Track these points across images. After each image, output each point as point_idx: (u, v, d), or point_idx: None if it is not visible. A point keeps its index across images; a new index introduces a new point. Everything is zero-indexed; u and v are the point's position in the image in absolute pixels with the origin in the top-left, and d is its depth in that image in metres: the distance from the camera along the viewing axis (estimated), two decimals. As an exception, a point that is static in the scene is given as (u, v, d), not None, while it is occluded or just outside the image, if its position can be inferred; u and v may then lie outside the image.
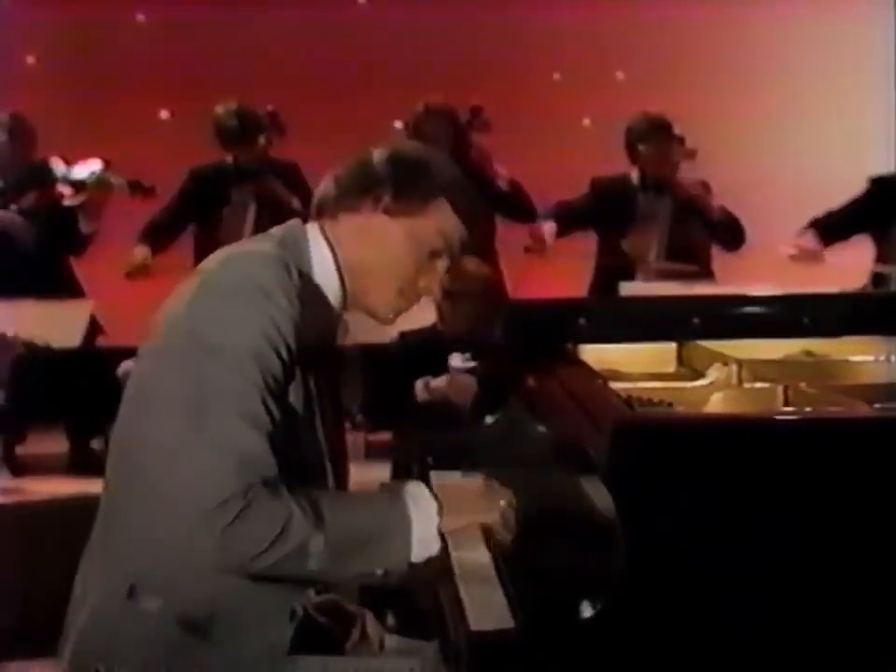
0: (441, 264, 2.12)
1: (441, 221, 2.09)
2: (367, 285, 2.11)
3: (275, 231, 2.12)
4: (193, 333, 1.94)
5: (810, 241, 5.16)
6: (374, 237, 2.08)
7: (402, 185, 2.07)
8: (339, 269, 2.10)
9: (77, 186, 5.67)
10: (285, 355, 1.95)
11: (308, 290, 2.03)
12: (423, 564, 2.00)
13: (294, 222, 2.14)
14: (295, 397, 2.00)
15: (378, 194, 2.07)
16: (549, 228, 5.70)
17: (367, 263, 2.09)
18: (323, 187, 2.14)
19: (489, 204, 5.72)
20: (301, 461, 2.01)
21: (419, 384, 4.33)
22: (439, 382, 4.31)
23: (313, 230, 2.11)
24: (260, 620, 2.01)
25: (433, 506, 2.00)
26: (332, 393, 2.17)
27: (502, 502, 2.07)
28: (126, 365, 4.62)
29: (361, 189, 2.08)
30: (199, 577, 1.97)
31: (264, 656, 2.02)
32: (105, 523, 2.07)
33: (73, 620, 2.07)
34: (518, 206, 5.83)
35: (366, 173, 2.09)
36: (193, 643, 1.99)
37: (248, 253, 2.03)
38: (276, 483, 1.91)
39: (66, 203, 5.70)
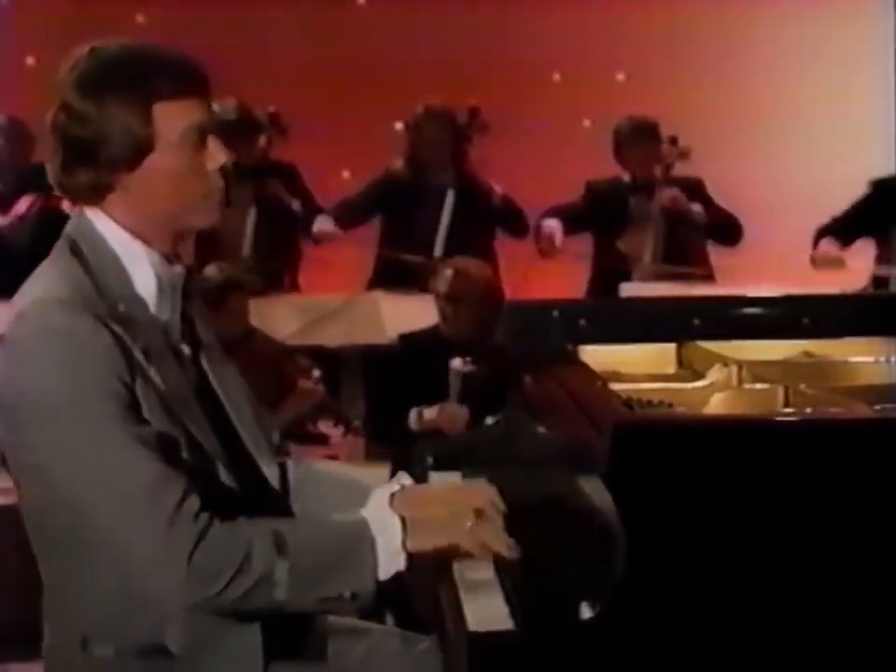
0: (212, 139, 2.00)
1: (176, 121, 1.95)
2: (173, 220, 2.00)
3: (61, 243, 2.02)
4: (24, 404, 1.89)
5: (831, 247, 5.16)
6: (143, 190, 1.97)
7: (118, 138, 1.93)
8: (137, 234, 1.99)
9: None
10: (120, 387, 1.87)
11: (116, 299, 1.95)
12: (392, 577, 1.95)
13: (76, 215, 2.02)
14: (156, 419, 1.91)
15: (107, 164, 1.94)
16: (555, 224, 5.72)
17: (156, 210, 1.98)
18: (49, 173, 2.01)
19: (487, 216, 5.76)
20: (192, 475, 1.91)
21: (413, 414, 4.34)
22: (430, 412, 4.32)
23: (94, 213, 2.00)
24: (226, 624, 1.96)
25: (396, 522, 1.94)
26: (203, 383, 2.07)
27: (468, 524, 1.97)
28: None
29: (89, 171, 1.95)
30: (149, 610, 1.93)
31: (240, 655, 1.97)
32: (46, 579, 2.04)
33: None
34: (512, 222, 5.86)
35: (78, 157, 1.95)
36: (158, 668, 1.95)
37: (38, 304, 1.92)
38: (230, 514, 1.88)
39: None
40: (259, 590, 1.87)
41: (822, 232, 5.26)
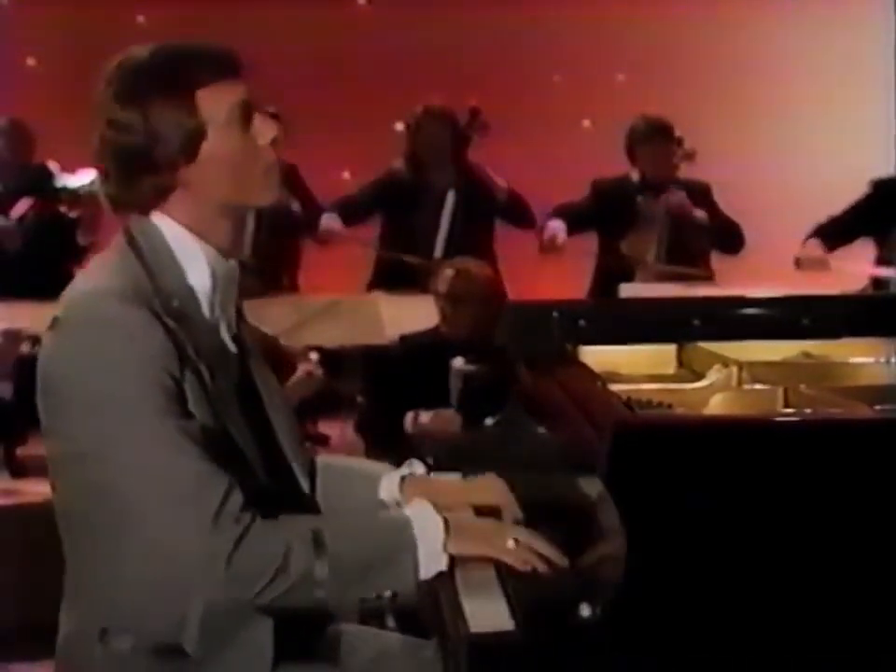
0: (257, 116, 2.02)
1: (219, 103, 1.97)
2: (237, 201, 2.02)
3: (119, 237, 2.02)
4: (73, 391, 1.90)
5: (815, 248, 5.18)
6: (203, 180, 1.98)
7: (173, 132, 1.94)
8: (195, 231, 2.00)
9: (72, 197, 5.68)
10: (169, 382, 1.88)
11: (171, 296, 1.97)
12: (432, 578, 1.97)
13: (135, 219, 2.02)
14: (201, 416, 1.93)
15: (167, 161, 1.95)
16: (559, 225, 5.72)
17: (218, 196, 2.00)
18: (106, 192, 2.01)
19: (490, 212, 5.76)
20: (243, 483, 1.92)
21: (409, 417, 4.35)
22: (426, 416, 4.32)
23: (156, 217, 2.00)
24: (237, 622, 1.97)
25: (439, 523, 1.96)
26: (247, 384, 2.09)
27: (510, 542, 1.99)
28: None
29: (150, 175, 1.96)
30: (168, 605, 1.94)
31: (250, 661, 1.98)
32: (71, 568, 2.04)
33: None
34: (517, 215, 5.86)
35: (138, 164, 1.96)
36: (173, 667, 1.96)
37: (95, 294, 1.93)
38: (263, 514, 1.88)
39: (63, 211, 5.71)
40: (299, 590, 1.88)
41: (817, 232, 5.28)
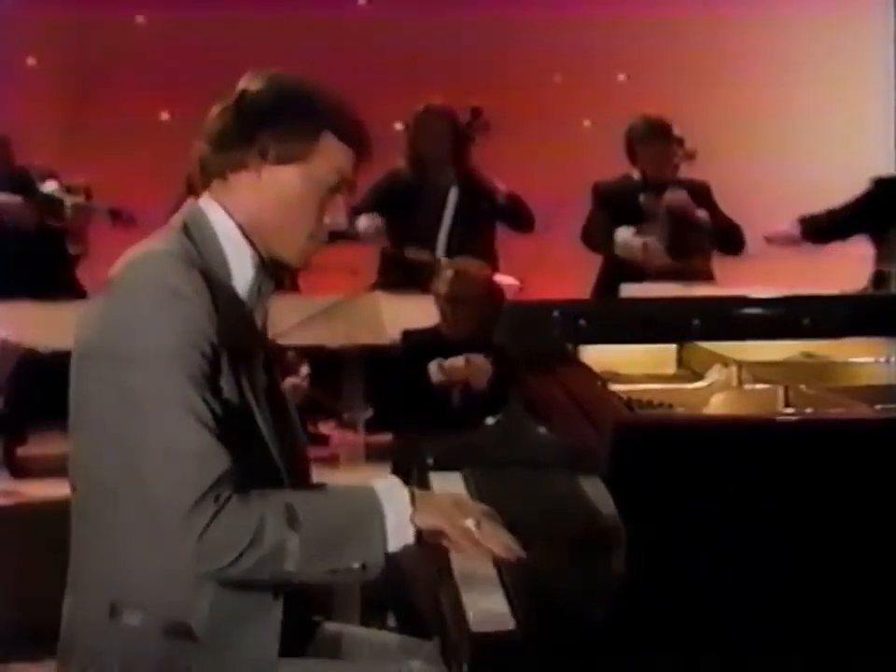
0: (341, 197, 2.09)
1: (332, 157, 2.05)
2: (274, 238, 2.07)
3: (175, 218, 2.08)
4: (112, 344, 1.93)
5: (788, 226, 5.28)
6: (270, 191, 2.04)
7: (285, 131, 2.03)
8: (244, 231, 2.06)
9: (58, 207, 5.69)
10: (207, 350, 1.92)
11: (219, 281, 2.01)
12: (401, 553, 1.98)
13: (189, 202, 2.10)
14: (229, 393, 1.97)
15: (262, 145, 2.03)
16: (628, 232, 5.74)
17: (269, 218, 2.06)
18: (197, 147, 2.09)
19: (490, 212, 5.76)
20: (247, 461, 1.95)
21: (433, 365, 4.35)
22: (455, 361, 4.32)
23: (207, 202, 2.07)
24: (247, 609, 1.99)
25: (405, 495, 1.98)
26: (271, 387, 2.13)
27: (469, 521, 1.99)
28: None
29: (242, 142, 2.04)
30: (180, 583, 1.95)
31: (256, 650, 2.00)
32: (79, 544, 2.06)
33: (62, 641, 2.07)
34: (517, 218, 5.86)
35: (242, 124, 2.05)
36: (181, 648, 1.97)
37: (151, 254, 1.99)
38: (243, 485, 1.90)
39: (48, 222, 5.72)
40: (270, 562, 1.90)
41: (809, 219, 5.33)
